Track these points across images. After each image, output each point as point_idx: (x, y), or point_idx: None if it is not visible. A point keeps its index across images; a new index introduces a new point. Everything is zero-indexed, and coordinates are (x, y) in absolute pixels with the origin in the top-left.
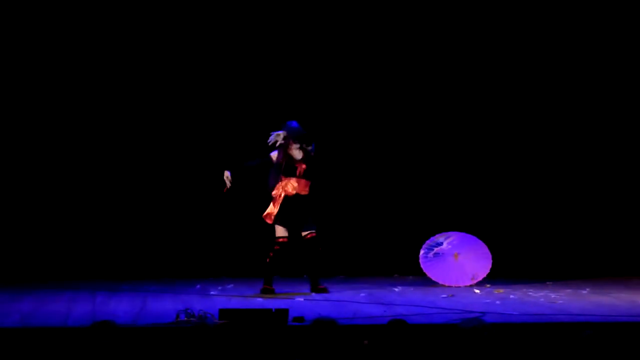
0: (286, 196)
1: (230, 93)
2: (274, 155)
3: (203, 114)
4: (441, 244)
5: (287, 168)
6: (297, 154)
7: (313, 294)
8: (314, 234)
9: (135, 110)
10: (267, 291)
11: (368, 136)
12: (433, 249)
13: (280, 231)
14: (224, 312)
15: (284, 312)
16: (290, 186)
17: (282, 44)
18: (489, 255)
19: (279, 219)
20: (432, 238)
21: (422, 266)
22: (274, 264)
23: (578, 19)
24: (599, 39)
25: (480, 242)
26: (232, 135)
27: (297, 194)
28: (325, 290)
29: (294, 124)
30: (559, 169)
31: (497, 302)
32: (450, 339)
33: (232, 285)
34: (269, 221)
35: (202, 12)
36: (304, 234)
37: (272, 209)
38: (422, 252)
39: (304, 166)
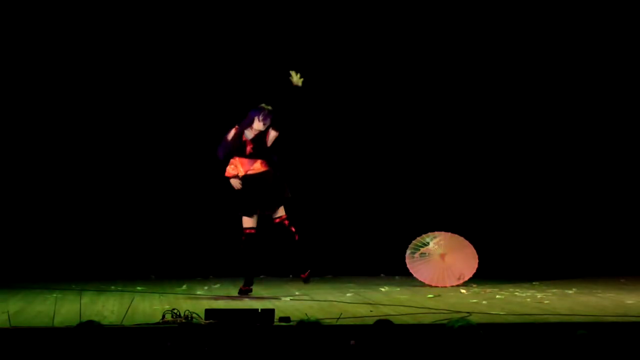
0: (243, 180)
1: (216, 95)
2: (230, 134)
3: (191, 117)
4: (427, 244)
5: (237, 148)
6: (249, 133)
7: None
8: (284, 217)
9: (125, 114)
10: (242, 292)
11: (355, 136)
12: (419, 249)
13: (247, 222)
14: (210, 312)
15: (270, 312)
16: (236, 167)
17: (268, 35)
18: (476, 256)
19: (242, 208)
20: (418, 238)
21: (408, 266)
22: (249, 260)
23: (574, 19)
24: (594, 39)
25: (466, 242)
26: (215, 138)
27: (245, 175)
28: (308, 280)
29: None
30: (545, 170)
31: (484, 302)
32: (437, 339)
33: (218, 285)
34: (230, 176)
35: (196, 16)
36: (273, 216)
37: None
38: (408, 252)
39: (251, 145)
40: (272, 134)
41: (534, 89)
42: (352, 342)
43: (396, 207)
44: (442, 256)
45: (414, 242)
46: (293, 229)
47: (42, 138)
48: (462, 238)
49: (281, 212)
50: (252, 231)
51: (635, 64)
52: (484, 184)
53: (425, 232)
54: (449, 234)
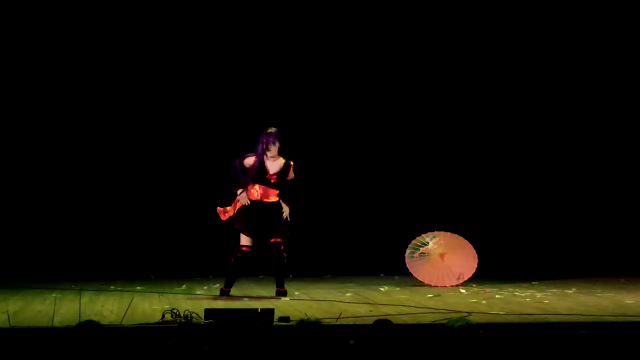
0: (252, 203)
1: (215, 96)
2: (249, 160)
3: (190, 119)
4: (427, 244)
5: (259, 176)
6: (272, 166)
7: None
8: (278, 240)
9: (125, 115)
10: (223, 293)
11: (354, 136)
12: (419, 249)
13: (245, 240)
14: (210, 312)
15: (270, 312)
16: (255, 192)
17: (269, 40)
18: (476, 256)
19: (245, 228)
20: (418, 238)
21: (408, 266)
22: (236, 269)
23: (574, 19)
24: (594, 39)
25: (466, 242)
26: (215, 138)
27: (261, 201)
28: (284, 294)
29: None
30: (545, 170)
31: (484, 302)
32: (437, 339)
33: (218, 285)
34: (222, 217)
35: (197, 15)
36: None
37: (231, 210)
38: (408, 252)
39: (275, 177)
40: (292, 176)
41: (534, 89)
42: (352, 342)
43: (396, 207)
44: (442, 256)
45: (413, 242)
46: (285, 255)
47: (42, 138)
48: (462, 238)
49: (278, 236)
50: (248, 250)
51: (635, 64)
52: (484, 185)
53: (425, 232)
54: (449, 234)
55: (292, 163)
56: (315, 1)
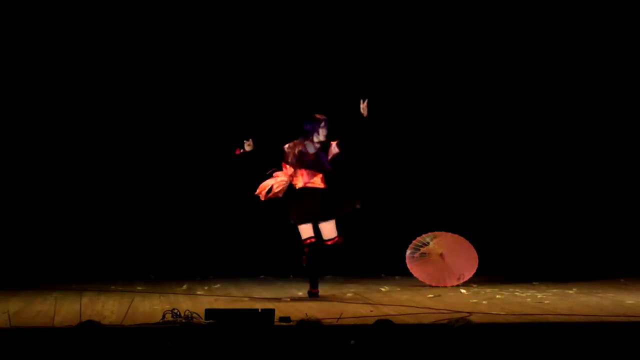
0: (301, 191)
1: (214, 96)
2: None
3: (191, 118)
4: (428, 244)
5: (301, 160)
6: (310, 146)
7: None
8: (336, 240)
9: (125, 116)
10: (311, 295)
11: (354, 136)
12: (420, 249)
13: (305, 232)
14: (210, 312)
15: (270, 312)
16: (300, 179)
17: (269, 43)
18: (476, 256)
19: (299, 218)
20: (418, 238)
21: (408, 266)
22: (313, 265)
23: (574, 19)
24: (594, 39)
25: (466, 242)
26: (214, 138)
27: (309, 188)
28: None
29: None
30: (545, 170)
31: (484, 302)
32: (437, 339)
33: (218, 285)
34: (262, 198)
35: (200, 10)
36: (325, 238)
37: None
38: (408, 252)
39: (313, 158)
40: (335, 150)
41: (534, 90)
42: (352, 342)
43: (396, 207)
44: (443, 256)
45: (414, 242)
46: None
47: (42, 139)
48: (462, 238)
49: (333, 232)
50: (313, 240)
51: (635, 64)
52: (484, 185)
53: (426, 232)
54: (450, 234)
55: (332, 142)
56: (318, 5)
